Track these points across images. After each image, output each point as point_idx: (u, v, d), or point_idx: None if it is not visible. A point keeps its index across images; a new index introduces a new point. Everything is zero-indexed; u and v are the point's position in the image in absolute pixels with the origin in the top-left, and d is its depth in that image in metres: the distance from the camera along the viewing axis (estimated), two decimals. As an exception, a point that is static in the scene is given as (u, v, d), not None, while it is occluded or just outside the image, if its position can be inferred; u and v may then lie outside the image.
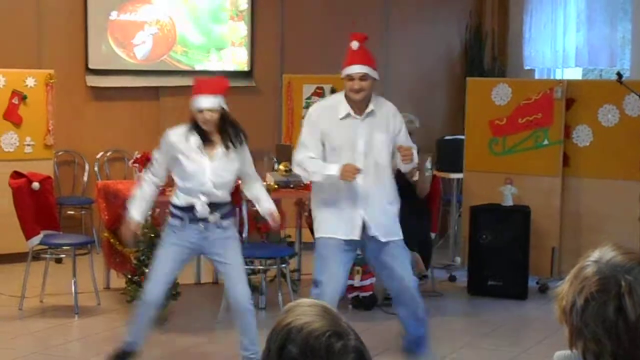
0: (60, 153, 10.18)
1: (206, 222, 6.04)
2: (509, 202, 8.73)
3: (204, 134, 6.03)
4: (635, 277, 1.89)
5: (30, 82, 9.54)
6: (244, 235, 7.86)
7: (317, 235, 6.29)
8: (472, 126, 9.30)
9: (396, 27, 11.96)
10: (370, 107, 6.19)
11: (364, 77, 6.11)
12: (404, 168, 6.40)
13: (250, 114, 11.15)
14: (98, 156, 10.55)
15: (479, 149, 9.21)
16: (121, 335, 6.33)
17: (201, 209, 5.99)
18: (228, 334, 6.69)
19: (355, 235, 6.14)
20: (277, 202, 8.44)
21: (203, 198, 5.99)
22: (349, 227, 6.13)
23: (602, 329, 1.88)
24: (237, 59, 11.36)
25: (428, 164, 8.33)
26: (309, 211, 8.66)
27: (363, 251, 6.47)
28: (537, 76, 12.00)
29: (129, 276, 7.54)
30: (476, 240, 8.70)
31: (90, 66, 10.49)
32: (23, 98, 9.49)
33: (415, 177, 8.21)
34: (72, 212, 10.37)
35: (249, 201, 7.92)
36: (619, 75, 8.21)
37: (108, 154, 10.66)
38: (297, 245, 9.02)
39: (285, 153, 8.72)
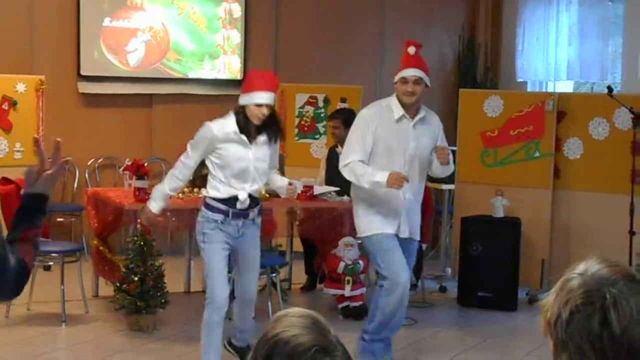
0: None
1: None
2: (499, 214, 8.73)
3: (250, 126, 6.03)
4: (620, 290, 1.88)
5: (20, 87, 9.52)
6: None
7: (368, 233, 6.39)
8: (464, 137, 9.30)
9: (390, 38, 11.95)
10: (422, 113, 6.40)
11: (417, 81, 6.29)
12: (441, 170, 6.51)
13: (242, 122, 11.16)
14: (88, 163, 10.51)
15: (470, 161, 9.21)
16: (109, 344, 6.29)
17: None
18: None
19: (398, 232, 6.36)
20: (268, 212, 8.47)
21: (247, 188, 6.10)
22: (392, 225, 6.33)
23: (587, 341, 1.87)
24: (230, 67, 11.32)
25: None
26: (300, 221, 8.68)
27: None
28: (529, 89, 12.00)
29: (118, 284, 7.50)
30: (467, 251, 8.69)
31: (82, 72, 10.44)
32: (13, 104, 9.46)
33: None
34: (61, 219, 10.32)
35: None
36: (610, 89, 8.22)
37: (99, 161, 10.62)
38: (288, 255, 9.00)
39: (278, 163, 8.66)
